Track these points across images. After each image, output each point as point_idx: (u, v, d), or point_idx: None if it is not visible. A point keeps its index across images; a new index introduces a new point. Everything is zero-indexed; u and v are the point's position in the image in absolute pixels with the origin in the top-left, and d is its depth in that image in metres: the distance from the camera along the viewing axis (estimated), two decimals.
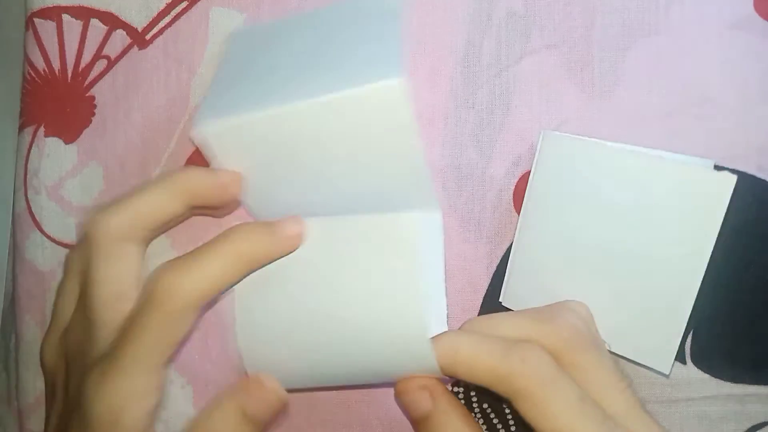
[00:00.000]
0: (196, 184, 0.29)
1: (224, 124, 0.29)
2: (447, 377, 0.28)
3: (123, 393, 0.26)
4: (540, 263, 0.32)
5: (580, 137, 0.31)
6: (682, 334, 0.29)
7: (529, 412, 0.25)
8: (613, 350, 0.31)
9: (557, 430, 0.24)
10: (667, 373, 0.30)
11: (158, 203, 0.29)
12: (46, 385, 0.32)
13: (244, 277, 0.29)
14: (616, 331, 0.30)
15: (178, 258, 0.27)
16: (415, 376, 0.28)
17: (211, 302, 0.28)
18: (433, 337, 0.27)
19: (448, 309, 0.33)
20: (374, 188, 0.30)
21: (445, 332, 0.28)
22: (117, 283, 0.28)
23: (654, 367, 0.30)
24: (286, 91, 0.29)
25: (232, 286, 0.29)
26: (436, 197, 0.31)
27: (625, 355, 0.31)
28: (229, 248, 0.27)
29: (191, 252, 0.28)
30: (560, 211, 0.31)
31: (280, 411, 0.27)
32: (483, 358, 0.26)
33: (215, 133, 0.29)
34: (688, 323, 0.32)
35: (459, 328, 0.29)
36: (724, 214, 0.28)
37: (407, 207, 0.29)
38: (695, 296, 0.29)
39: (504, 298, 0.33)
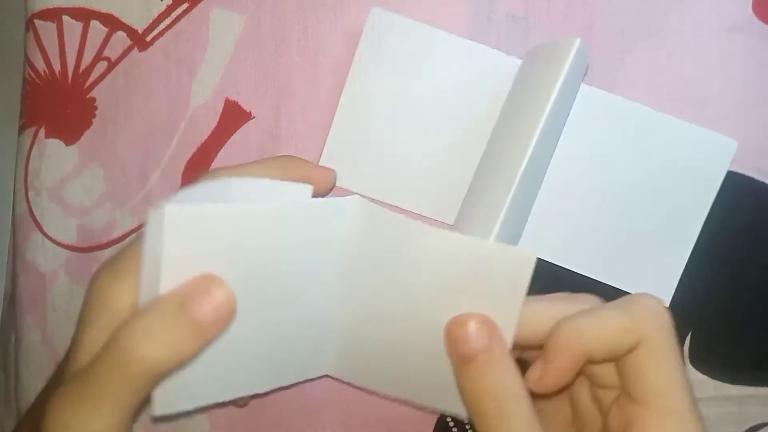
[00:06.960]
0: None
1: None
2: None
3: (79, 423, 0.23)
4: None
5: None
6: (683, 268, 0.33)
7: (649, 357, 0.25)
8: (611, 284, 0.33)
9: (669, 375, 0.25)
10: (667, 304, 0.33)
11: None
12: None
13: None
14: (616, 266, 0.33)
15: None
16: (471, 313, 0.25)
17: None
18: (557, 329, 0.25)
19: None
20: None
21: (561, 323, 0.25)
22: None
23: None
24: None
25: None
26: None
27: (624, 289, 0.33)
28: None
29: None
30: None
31: (227, 320, 0.23)
32: (609, 322, 0.25)
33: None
34: (687, 324, 0.32)
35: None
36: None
37: None
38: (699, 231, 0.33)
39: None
